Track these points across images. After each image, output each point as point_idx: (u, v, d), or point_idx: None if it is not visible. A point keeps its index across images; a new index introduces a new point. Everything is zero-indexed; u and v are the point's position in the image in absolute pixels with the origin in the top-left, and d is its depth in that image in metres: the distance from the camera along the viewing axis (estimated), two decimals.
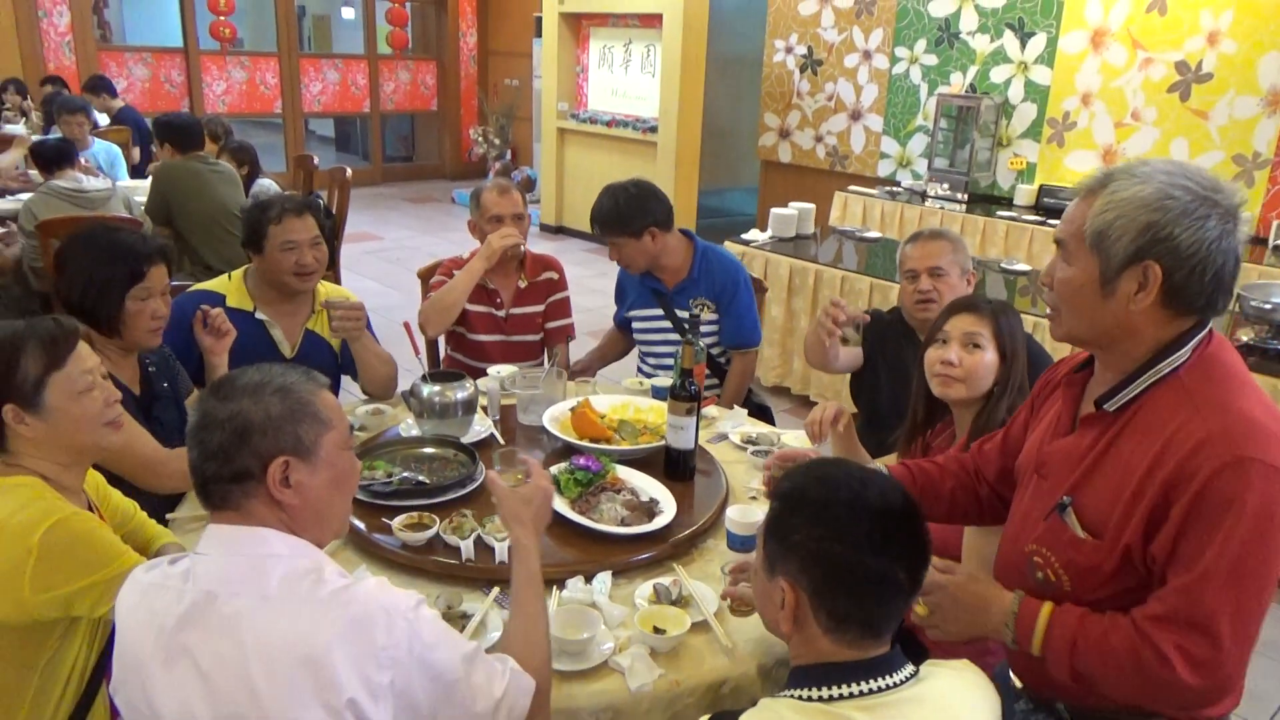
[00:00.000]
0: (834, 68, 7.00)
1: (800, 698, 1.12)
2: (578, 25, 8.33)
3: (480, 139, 10.12)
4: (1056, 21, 5.78)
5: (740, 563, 1.62)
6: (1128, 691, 1.28)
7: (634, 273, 2.95)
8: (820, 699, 1.10)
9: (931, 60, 6.43)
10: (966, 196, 6.02)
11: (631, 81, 8.01)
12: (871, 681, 1.11)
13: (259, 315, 2.51)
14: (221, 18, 8.56)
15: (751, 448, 2.29)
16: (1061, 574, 1.36)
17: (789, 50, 7.27)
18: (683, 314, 2.91)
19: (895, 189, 6.45)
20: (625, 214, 2.76)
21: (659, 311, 2.95)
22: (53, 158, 4.39)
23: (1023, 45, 5.96)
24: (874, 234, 5.25)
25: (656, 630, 1.54)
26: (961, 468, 1.71)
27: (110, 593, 1.43)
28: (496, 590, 1.65)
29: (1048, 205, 5.81)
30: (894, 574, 1.12)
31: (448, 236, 8.38)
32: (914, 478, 1.72)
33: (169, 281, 2.15)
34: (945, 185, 6.12)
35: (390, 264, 7.37)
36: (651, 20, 7.57)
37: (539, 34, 8.59)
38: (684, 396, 2.02)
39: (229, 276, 2.58)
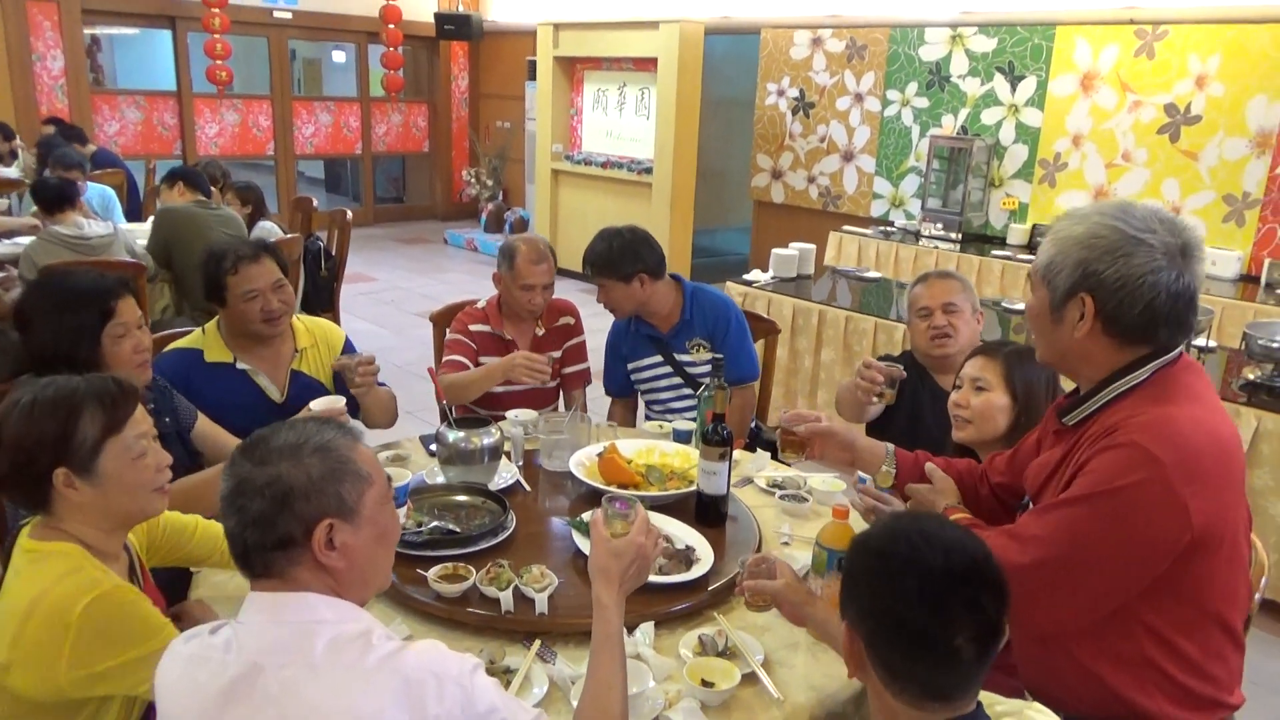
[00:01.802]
0: (826, 110, 7.10)
1: None
2: (572, 69, 8.41)
3: (472, 180, 10.16)
4: (1046, 65, 5.89)
5: (758, 557, 1.66)
6: None
7: (619, 317, 2.99)
8: None
9: (923, 103, 6.53)
10: (960, 236, 6.09)
11: (626, 123, 8.08)
12: None
13: (240, 365, 2.44)
14: (218, 62, 8.60)
15: (779, 492, 2.27)
16: None
17: (781, 93, 7.37)
18: (683, 357, 2.93)
19: (889, 229, 6.51)
20: (617, 258, 2.81)
21: (658, 358, 2.96)
22: (54, 197, 4.37)
23: (1013, 88, 6.07)
24: (874, 274, 5.28)
25: (705, 683, 1.51)
26: (970, 468, 1.88)
27: (140, 671, 1.38)
28: (539, 643, 1.62)
29: (1041, 245, 5.87)
30: (947, 638, 1.06)
31: (441, 278, 8.39)
32: (917, 459, 1.91)
33: (140, 313, 2.06)
34: (939, 225, 6.19)
35: (384, 305, 7.35)
36: (646, 64, 7.66)
37: (532, 77, 8.68)
38: (716, 441, 2.00)
39: (203, 330, 2.49)
